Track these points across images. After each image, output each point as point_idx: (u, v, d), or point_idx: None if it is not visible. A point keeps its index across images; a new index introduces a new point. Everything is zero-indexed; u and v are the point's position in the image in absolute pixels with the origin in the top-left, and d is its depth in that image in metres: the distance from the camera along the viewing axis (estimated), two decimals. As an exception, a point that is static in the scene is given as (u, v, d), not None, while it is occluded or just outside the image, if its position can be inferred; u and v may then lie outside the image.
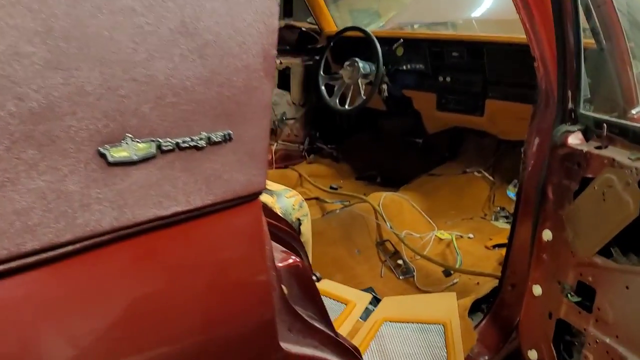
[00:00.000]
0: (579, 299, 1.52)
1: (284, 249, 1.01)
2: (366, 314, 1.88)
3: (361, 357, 1.09)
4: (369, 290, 2.29)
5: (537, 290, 1.65)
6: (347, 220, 2.69)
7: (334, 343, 0.99)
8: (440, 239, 2.76)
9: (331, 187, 3.51)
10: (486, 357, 1.80)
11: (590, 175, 1.48)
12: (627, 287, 1.38)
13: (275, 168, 3.61)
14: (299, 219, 1.19)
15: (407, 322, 1.82)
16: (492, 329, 1.87)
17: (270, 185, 1.21)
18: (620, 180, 1.39)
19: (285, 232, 1.08)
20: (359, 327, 1.78)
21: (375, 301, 2.26)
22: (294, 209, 1.18)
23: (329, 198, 3.26)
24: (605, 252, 1.45)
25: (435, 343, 1.75)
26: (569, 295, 1.53)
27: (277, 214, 1.09)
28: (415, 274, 2.52)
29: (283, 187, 1.21)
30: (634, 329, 1.36)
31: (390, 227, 2.67)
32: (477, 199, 3.14)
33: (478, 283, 2.38)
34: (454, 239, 2.68)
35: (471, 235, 2.77)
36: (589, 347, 1.48)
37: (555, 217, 1.59)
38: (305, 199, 3.41)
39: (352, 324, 1.80)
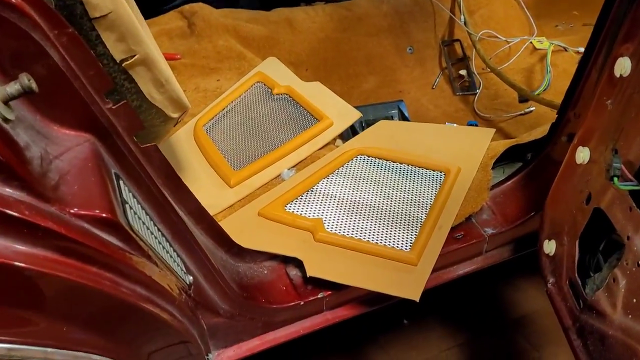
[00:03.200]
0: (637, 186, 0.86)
1: None
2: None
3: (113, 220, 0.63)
4: (396, 104, 1.71)
5: (581, 154, 0.99)
6: (407, 5, 1.98)
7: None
8: (535, 49, 1.98)
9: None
10: (492, 231, 1.24)
11: None
12: None
13: None
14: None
15: (392, 161, 1.28)
16: (518, 194, 1.27)
17: None
18: None
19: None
20: (320, 157, 1.28)
21: (401, 118, 1.70)
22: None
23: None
24: None
25: (420, 198, 1.21)
26: (615, 179, 0.87)
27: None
28: (479, 91, 1.86)
29: None
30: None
31: (464, 22, 1.93)
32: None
33: (558, 118, 1.67)
34: (549, 51, 1.88)
35: (581, 49, 1.94)
36: (624, 268, 0.87)
37: (643, 36, 0.85)
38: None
39: (312, 150, 1.29)
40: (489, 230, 1.24)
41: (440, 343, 1.66)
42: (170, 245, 0.81)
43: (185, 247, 0.86)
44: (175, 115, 0.95)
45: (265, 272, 1.10)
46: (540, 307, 1.82)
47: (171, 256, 0.80)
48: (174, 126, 1.03)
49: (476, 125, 1.75)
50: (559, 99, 1.63)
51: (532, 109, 1.77)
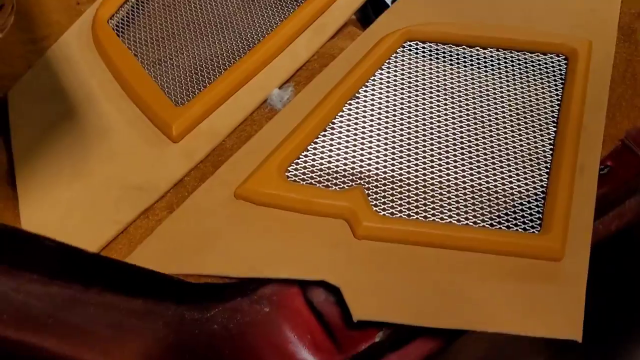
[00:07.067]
0: None
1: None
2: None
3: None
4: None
5: None
6: None
7: None
8: None
9: None
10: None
11: None
12: None
13: None
14: None
15: (468, 46, 0.68)
16: None
17: None
18: None
19: None
20: (334, 54, 0.67)
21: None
22: None
23: None
24: None
25: (533, 114, 0.64)
26: None
27: None
28: None
29: None
30: None
31: None
32: None
33: None
34: None
35: None
36: None
37: None
38: None
39: (318, 43, 0.67)
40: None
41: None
42: None
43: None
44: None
45: (267, 309, 0.56)
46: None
47: None
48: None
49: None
50: None
51: None
